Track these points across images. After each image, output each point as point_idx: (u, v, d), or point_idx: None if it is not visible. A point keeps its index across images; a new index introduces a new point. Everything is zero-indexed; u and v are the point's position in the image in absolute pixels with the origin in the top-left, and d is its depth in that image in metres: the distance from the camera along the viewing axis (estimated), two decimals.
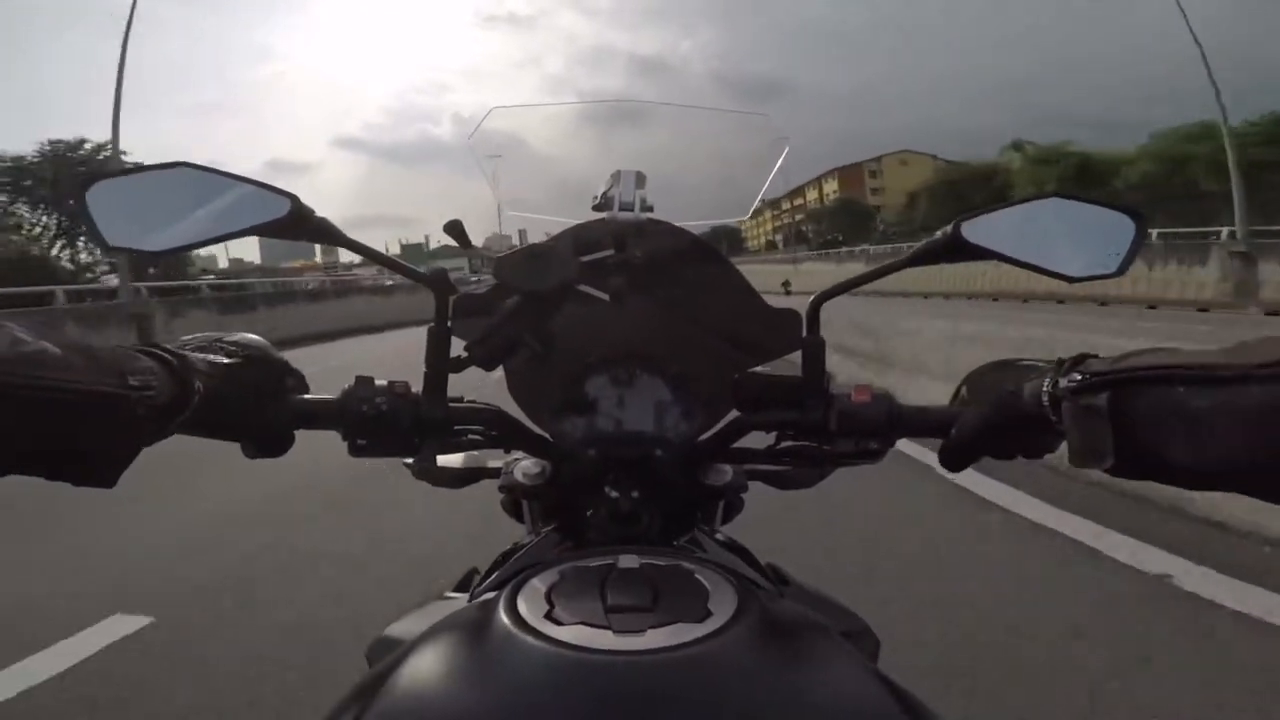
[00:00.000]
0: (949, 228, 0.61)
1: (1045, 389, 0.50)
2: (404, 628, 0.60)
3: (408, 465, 0.68)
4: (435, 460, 0.63)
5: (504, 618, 0.42)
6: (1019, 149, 44.34)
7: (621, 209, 0.67)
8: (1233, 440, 0.40)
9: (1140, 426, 0.43)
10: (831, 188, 73.48)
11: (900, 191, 59.29)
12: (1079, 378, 0.47)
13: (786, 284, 29.50)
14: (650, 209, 0.68)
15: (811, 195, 77.39)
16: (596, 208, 0.70)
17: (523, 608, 0.43)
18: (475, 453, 0.72)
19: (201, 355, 0.54)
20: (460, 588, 0.69)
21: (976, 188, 41.14)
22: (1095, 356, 0.49)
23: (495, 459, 0.74)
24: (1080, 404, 0.46)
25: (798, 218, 75.96)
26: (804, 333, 0.64)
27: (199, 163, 0.59)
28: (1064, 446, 0.49)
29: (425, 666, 0.41)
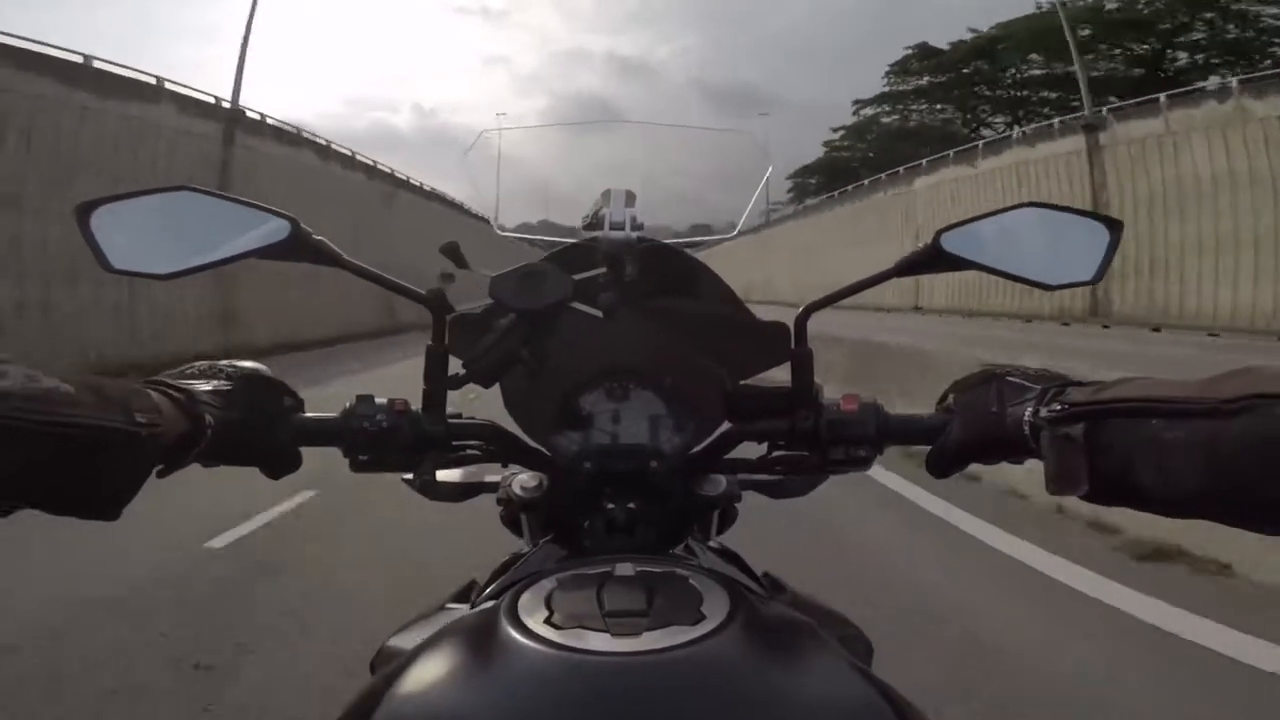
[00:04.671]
0: (930, 240, 0.63)
1: (1026, 418, 0.52)
2: (407, 638, 0.61)
3: (407, 480, 0.69)
4: (435, 475, 0.65)
5: (505, 623, 0.44)
6: None
7: (613, 228, 0.68)
8: (1201, 471, 0.42)
9: (1114, 456, 0.45)
10: None
11: None
12: (1058, 408, 0.49)
13: None
14: (641, 227, 0.70)
15: None
16: (587, 226, 0.72)
17: (523, 613, 0.45)
18: (473, 468, 0.73)
19: (206, 387, 0.55)
20: (460, 599, 0.70)
21: None
22: (1077, 384, 0.52)
23: (493, 474, 0.75)
24: (1058, 434, 0.48)
25: None
26: (792, 344, 0.65)
27: (200, 187, 0.61)
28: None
29: (429, 671, 0.42)
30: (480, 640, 0.44)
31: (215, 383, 0.56)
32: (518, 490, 0.72)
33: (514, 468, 0.74)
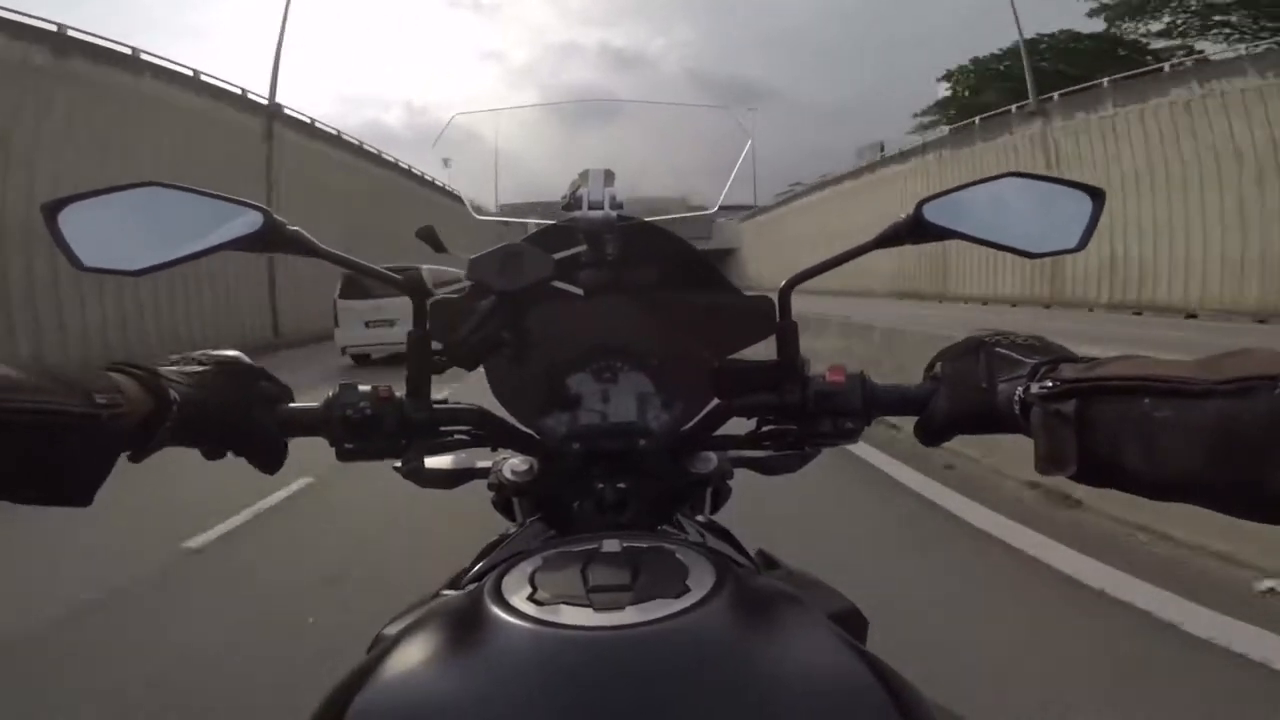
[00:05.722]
0: (912, 209, 0.63)
1: (1018, 395, 0.51)
2: (399, 624, 0.61)
3: (397, 468, 0.68)
4: (423, 462, 0.64)
5: (489, 602, 0.44)
6: None
7: (591, 207, 0.68)
8: (1190, 453, 0.40)
9: (1104, 436, 0.44)
10: None
11: None
12: (1050, 384, 0.47)
13: None
14: (620, 206, 0.69)
15: None
16: (566, 206, 0.71)
17: (507, 591, 0.45)
18: (464, 453, 0.73)
19: (176, 368, 0.55)
20: (455, 584, 0.70)
21: None
22: (1070, 360, 0.50)
23: (484, 459, 0.75)
24: (1048, 411, 0.47)
25: None
26: (777, 318, 0.65)
27: (167, 182, 0.59)
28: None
29: (413, 652, 0.42)
30: (464, 620, 0.44)
31: (186, 366, 0.56)
32: (508, 474, 0.72)
33: (504, 452, 0.73)
